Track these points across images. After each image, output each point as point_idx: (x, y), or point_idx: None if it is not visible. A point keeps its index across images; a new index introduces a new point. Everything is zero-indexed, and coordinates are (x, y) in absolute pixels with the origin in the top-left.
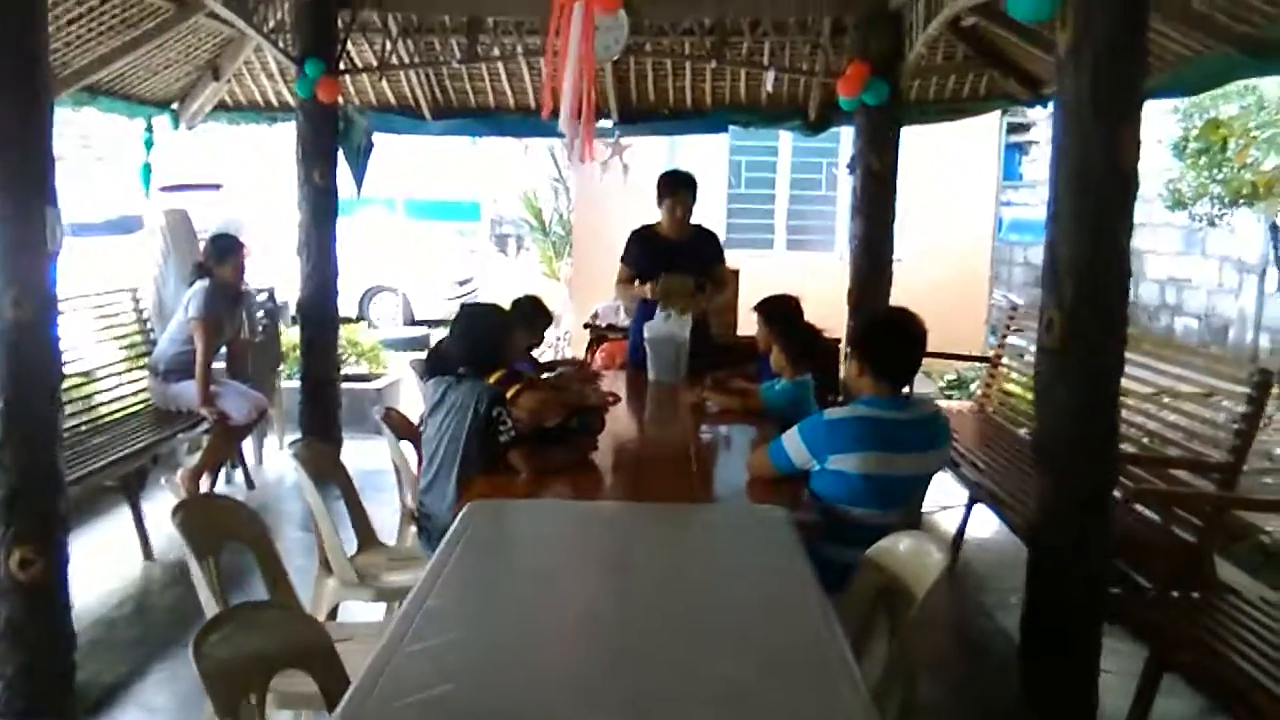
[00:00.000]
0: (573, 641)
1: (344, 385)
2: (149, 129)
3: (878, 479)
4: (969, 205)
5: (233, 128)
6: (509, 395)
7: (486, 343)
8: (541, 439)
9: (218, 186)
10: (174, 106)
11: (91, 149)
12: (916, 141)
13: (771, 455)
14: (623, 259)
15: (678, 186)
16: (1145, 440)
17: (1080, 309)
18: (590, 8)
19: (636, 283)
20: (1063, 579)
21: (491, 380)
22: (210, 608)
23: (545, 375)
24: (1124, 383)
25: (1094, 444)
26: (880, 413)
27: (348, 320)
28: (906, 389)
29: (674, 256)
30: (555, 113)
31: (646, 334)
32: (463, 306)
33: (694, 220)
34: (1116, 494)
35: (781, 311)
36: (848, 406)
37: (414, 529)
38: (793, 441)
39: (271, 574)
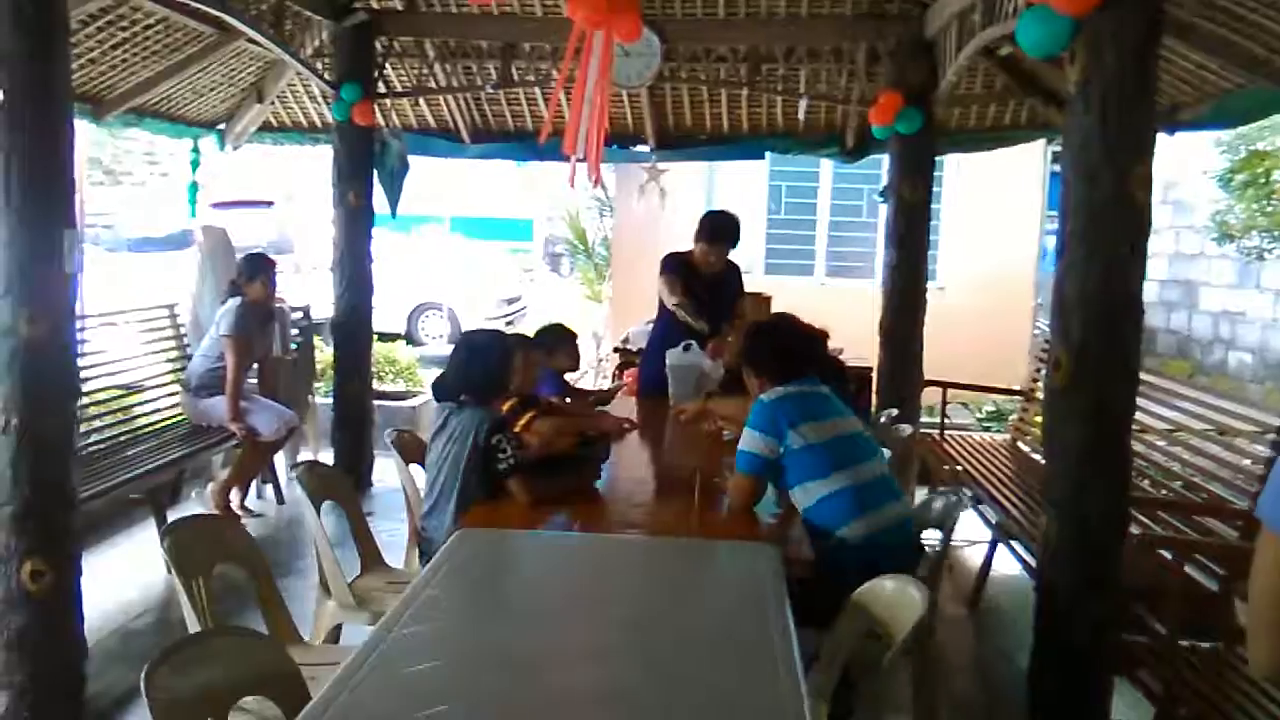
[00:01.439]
0: (537, 673)
1: (378, 403)
2: (195, 149)
3: (831, 443)
4: (1013, 234)
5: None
6: (524, 422)
7: (485, 372)
8: (544, 466)
9: (270, 204)
10: (220, 127)
11: (158, 164)
12: (960, 169)
13: (740, 467)
14: (671, 274)
15: (717, 237)
16: (1177, 484)
17: (1087, 349)
18: (610, 36)
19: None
20: (1069, 623)
21: (505, 407)
22: (194, 630)
23: (568, 400)
24: (1161, 423)
25: (1101, 486)
26: (803, 388)
27: (393, 337)
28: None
29: (700, 284)
30: (551, 137)
31: (669, 361)
32: (464, 335)
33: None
34: (1135, 533)
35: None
36: (774, 389)
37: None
38: (751, 438)
39: (265, 596)
